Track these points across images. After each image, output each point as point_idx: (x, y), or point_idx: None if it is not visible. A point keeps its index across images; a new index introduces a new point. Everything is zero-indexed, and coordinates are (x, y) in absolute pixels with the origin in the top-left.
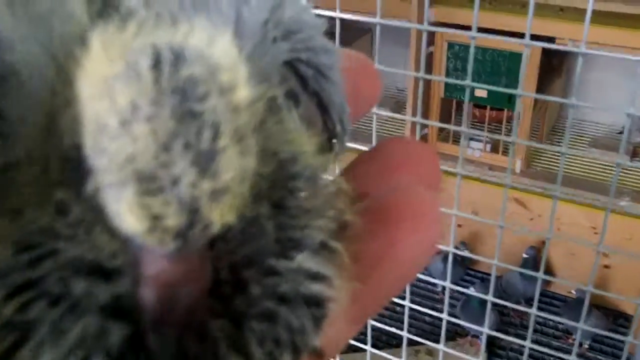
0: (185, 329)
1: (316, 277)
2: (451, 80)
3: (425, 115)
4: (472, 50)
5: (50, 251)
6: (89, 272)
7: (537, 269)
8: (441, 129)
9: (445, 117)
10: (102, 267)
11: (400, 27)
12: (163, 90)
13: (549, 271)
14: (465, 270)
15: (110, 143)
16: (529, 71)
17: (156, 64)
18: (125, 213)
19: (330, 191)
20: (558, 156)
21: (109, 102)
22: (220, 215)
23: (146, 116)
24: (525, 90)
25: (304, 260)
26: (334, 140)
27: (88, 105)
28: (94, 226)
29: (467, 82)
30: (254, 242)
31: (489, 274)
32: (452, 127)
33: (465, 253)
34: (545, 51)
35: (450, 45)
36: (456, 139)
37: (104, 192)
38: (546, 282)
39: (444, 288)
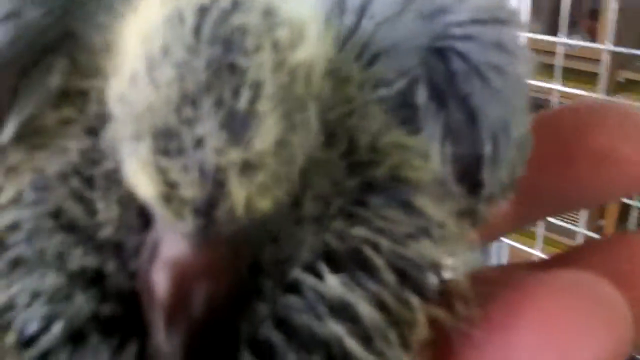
0: (195, 332)
1: (347, 314)
2: None
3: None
4: None
5: (40, 199)
6: (68, 232)
7: None
8: (620, 219)
9: (624, 210)
10: (84, 233)
11: None
12: (203, 37)
13: None
14: None
15: (132, 89)
16: None
17: (203, 8)
18: (138, 173)
19: (439, 231)
20: None
21: (144, 46)
22: (249, 197)
23: (176, 62)
24: None
25: (337, 283)
26: (482, 170)
27: (127, 49)
28: (103, 188)
29: None
30: (283, 242)
31: None
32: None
33: None
34: None
35: None
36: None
37: (119, 146)
38: None
39: None
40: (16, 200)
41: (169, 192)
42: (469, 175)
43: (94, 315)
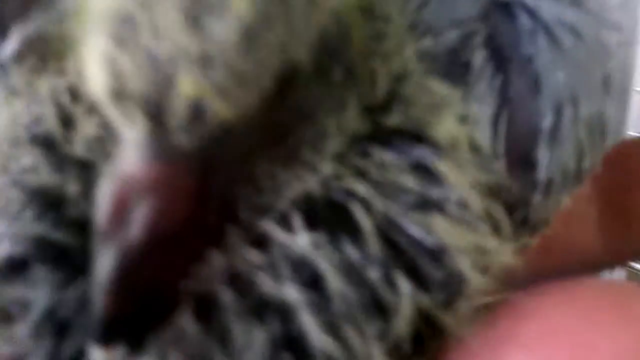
0: (134, 264)
1: (310, 281)
2: None
3: None
4: None
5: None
6: (39, 146)
7: None
8: None
9: None
10: (55, 149)
11: None
12: None
13: None
14: None
15: None
16: None
17: None
18: (90, 67)
19: (458, 209)
20: None
21: None
22: (202, 95)
23: None
24: None
25: (307, 240)
26: (538, 147)
27: None
28: (88, 106)
29: None
30: (261, 182)
31: None
32: None
33: None
34: None
35: None
36: None
37: (85, 44)
38: None
39: None
40: (11, 122)
41: (119, 86)
42: (523, 152)
43: (42, 243)
